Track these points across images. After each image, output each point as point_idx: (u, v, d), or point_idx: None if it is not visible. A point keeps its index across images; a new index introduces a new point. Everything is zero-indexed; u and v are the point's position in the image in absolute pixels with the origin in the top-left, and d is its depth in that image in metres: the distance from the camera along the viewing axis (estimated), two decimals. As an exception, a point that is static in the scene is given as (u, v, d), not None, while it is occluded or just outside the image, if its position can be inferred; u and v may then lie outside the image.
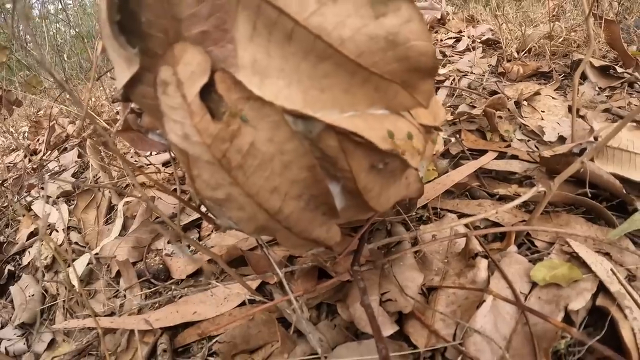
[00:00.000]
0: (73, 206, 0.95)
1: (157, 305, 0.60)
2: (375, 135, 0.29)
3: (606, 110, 0.85)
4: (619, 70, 0.98)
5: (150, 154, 1.03)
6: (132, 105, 0.48)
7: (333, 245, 0.40)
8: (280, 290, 0.54)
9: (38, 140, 1.68)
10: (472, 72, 1.08)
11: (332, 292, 0.51)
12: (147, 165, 1.01)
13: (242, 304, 0.54)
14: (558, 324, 0.36)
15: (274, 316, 0.50)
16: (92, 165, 1.03)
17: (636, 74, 0.97)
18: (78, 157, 1.33)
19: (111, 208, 0.92)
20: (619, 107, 0.85)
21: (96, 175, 1.03)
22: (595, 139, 0.57)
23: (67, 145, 1.48)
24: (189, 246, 0.72)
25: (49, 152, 1.50)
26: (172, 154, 0.65)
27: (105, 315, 0.63)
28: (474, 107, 0.89)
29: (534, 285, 0.45)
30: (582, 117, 0.82)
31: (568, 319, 0.41)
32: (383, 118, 0.31)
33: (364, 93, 0.29)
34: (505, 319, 0.41)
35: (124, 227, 0.81)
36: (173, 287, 0.62)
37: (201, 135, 0.29)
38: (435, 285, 0.48)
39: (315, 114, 0.27)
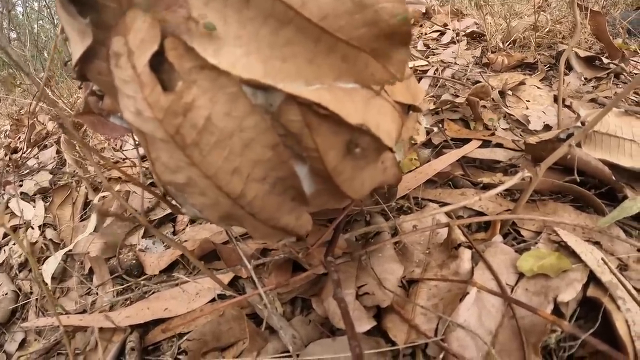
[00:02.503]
0: (49, 202, 0.92)
1: (128, 301, 0.58)
2: (342, 108, 0.26)
3: (592, 100, 0.83)
4: (605, 61, 0.97)
5: (120, 146, 1.00)
6: (94, 87, 0.45)
7: (304, 234, 0.38)
8: (253, 285, 0.51)
9: (19, 138, 1.64)
10: (455, 63, 1.06)
11: (308, 286, 0.49)
12: (123, 159, 0.97)
13: (215, 299, 0.51)
14: (548, 316, 0.33)
15: (245, 312, 0.47)
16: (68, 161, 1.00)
17: (622, 65, 0.96)
18: (57, 154, 1.30)
19: (87, 204, 0.90)
20: (605, 97, 0.84)
21: (74, 171, 1.00)
22: (583, 124, 0.55)
23: (47, 142, 1.44)
24: (163, 241, 0.69)
25: (29, 149, 1.46)
26: (135, 138, 0.62)
27: (76, 313, 0.60)
28: (457, 96, 0.87)
29: (520, 276, 0.43)
30: (568, 106, 0.80)
31: (557, 311, 0.39)
32: (353, 92, 0.28)
33: (331, 63, 0.27)
34: (491, 313, 0.39)
35: (99, 224, 0.79)
36: (145, 283, 0.59)
37: (152, 110, 0.26)
38: (416, 278, 0.45)
39: (275, 84, 0.25)
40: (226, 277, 0.52)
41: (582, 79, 0.94)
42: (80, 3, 0.28)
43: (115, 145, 1.11)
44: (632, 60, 1.00)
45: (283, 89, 0.25)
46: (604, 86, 0.91)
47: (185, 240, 0.64)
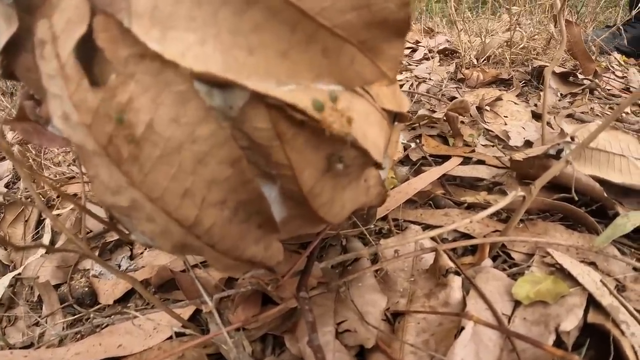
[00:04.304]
0: (0, 219, 0.83)
1: (79, 335, 0.50)
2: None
3: (569, 116, 0.81)
4: (580, 77, 0.96)
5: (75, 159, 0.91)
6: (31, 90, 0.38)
7: (274, 265, 0.32)
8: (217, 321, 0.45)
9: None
10: (430, 79, 1.03)
11: (279, 321, 0.43)
12: (79, 174, 0.89)
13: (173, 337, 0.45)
14: (555, 351, 0.29)
15: (207, 351, 0.41)
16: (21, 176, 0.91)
17: (596, 80, 0.95)
18: (13, 167, 1.20)
19: (41, 222, 0.81)
20: (582, 113, 0.82)
21: (25, 188, 0.91)
22: (572, 139, 0.52)
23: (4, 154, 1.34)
24: (119, 266, 0.62)
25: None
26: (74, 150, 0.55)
27: (22, 347, 0.52)
28: (434, 111, 0.83)
29: (516, 304, 0.38)
30: (548, 123, 0.77)
31: (559, 339, 0.35)
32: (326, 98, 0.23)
33: (309, 58, 0.22)
34: (489, 347, 0.34)
35: (52, 244, 0.71)
36: (97, 314, 0.52)
37: (79, 112, 0.20)
38: (402, 310, 0.40)
39: (238, 79, 0.19)
40: (187, 311, 0.46)
41: (558, 94, 0.92)
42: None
43: (74, 160, 1.03)
44: (604, 76, 1.00)
45: (248, 85, 0.19)
46: (580, 102, 0.89)
47: (143, 267, 0.57)
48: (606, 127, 0.39)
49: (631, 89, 0.97)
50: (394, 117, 0.32)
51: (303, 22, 0.20)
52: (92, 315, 0.52)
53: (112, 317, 0.50)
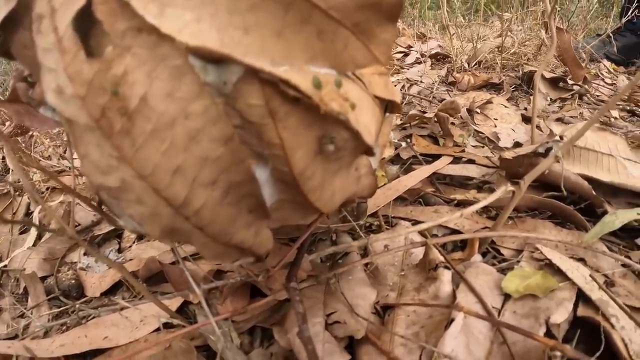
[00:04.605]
0: None
1: (64, 327, 0.50)
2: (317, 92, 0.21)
3: (559, 120, 0.82)
4: (569, 82, 0.97)
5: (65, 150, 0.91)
6: (25, 72, 0.38)
7: (264, 254, 0.32)
8: (204, 312, 0.45)
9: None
10: (421, 82, 1.04)
11: (268, 314, 0.43)
12: (69, 168, 0.89)
13: (161, 328, 0.44)
14: (547, 341, 0.29)
15: (195, 343, 0.40)
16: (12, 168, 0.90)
17: (586, 86, 0.97)
18: (2, 159, 1.19)
19: (29, 214, 0.81)
20: (571, 117, 0.83)
21: (17, 180, 0.90)
22: (561, 138, 0.52)
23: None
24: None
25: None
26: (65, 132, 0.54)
27: (6, 339, 0.52)
28: (425, 112, 0.84)
29: (506, 297, 0.39)
30: (537, 126, 0.78)
31: (549, 333, 0.35)
32: (327, 78, 0.23)
33: (304, 40, 0.22)
34: (479, 340, 0.34)
35: (39, 237, 0.70)
36: (83, 306, 0.52)
37: (73, 84, 0.20)
38: (392, 303, 0.40)
39: (233, 54, 0.19)
40: (175, 303, 0.45)
41: (548, 99, 0.94)
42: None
43: (64, 152, 1.02)
44: (594, 83, 1.01)
45: (242, 60, 0.19)
46: (569, 106, 0.91)
47: (131, 259, 0.56)
48: (596, 121, 0.40)
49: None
50: (386, 107, 0.32)
51: (298, 2, 0.20)
52: (77, 307, 0.51)
53: (99, 309, 0.50)
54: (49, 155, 0.97)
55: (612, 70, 1.20)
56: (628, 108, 0.91)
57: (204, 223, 0.25)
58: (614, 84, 1.09)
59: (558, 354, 0.30)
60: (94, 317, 0.49)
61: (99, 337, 0.45)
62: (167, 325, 0.44)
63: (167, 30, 0.19)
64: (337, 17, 0.21)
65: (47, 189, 0.84)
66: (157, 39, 0.19)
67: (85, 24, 0.20)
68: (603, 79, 1.11)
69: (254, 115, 0.21)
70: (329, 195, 0.29)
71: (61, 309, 0.53)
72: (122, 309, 0.46)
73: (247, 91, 0.20)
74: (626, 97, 0.95)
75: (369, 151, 0.27)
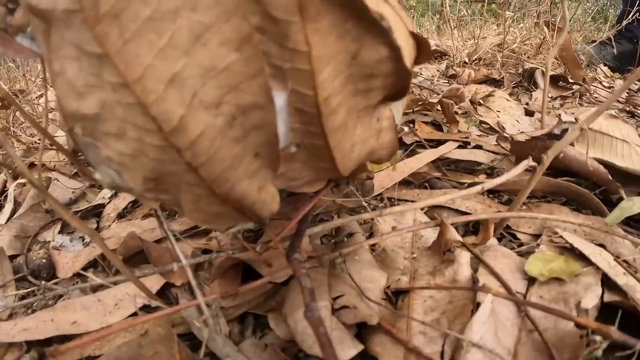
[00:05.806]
0: None
1: (30, 310, 0.44)
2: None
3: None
4: (570, 81, 0.96)
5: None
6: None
7: (267, 217, 0.27)
8: (189, 295, 0.39)
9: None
10: (421, 74, 1.01)
11: (262, 299, 0.38)
12: (50, 145, 0.83)
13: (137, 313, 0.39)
14: (591, 324, 0.25)
15: (177, 331, 0.35)
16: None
17: (586, 85, 0.95)
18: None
19: (4, 192, 0.75)
20: (572, 114, 0.81)
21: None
22: (576, 120, 0.49)
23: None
24: (83, 238, 0.56)
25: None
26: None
27: None
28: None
29: (530, 282, 0.34)
30: (539, 120, 0.76)
31: (577, 318, 0.31)
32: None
33: None
34: (506, 327, 0.30)
35: (13, 214, 0.65)
36: (51, 286, 0.46)
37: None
38: (405, 288, 0.35)
39: None
40: (155, 285, 0.40)
41: (549, 96, 0.91)
42: None
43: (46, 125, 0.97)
44: (592, 85, 1.00)
45: None
46: (570, 104, 0.88)
47: (109, 238, 0.51)
48: (611, 103, 0.37)
49: (619, 99, 0.96)
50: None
51: None
52: (43, 285, 0.45)
53: (69, 288, 0.44)
54: (33, 134, 0.93)
55: (609, 75, 1.19)
56: (627, 109, 0.89)
57: (200, 161, 0.20)
58: (612, 87, 1.08)
59: (598, 338, 0.27)
60: (62, 298, 0.43)
61: (67, 321, 0.40)
62: (145, 309, 0.39)
63: None
64: None
65: (29, 164, 0.79)
66: None
67: None
68: (601, 82, 1.09)
69: (279, 7, 0.16)
70: (349, 145, 0.25)
71: (28, 290, 0.48)
72: (94, 290, 0.40)
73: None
74: (624, 99, 0.93)
75: (406, 75, 0.22)
